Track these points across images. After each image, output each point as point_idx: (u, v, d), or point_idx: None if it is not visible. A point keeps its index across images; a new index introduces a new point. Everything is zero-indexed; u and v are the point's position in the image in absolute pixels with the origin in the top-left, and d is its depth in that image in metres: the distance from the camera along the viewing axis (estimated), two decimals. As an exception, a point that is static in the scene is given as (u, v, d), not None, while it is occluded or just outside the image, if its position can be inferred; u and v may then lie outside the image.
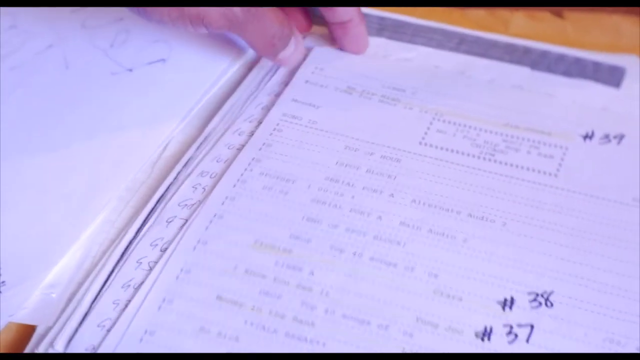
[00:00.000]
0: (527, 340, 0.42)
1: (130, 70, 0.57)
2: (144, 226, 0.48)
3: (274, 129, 0.52)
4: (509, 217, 0.47)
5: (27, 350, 0.44)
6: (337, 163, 0.50)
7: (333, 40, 0.57)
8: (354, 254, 0.46)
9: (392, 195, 0.48)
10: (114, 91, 0.56)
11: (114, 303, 0.45)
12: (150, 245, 0.47)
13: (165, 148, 0.53)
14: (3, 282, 0.46)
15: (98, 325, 0.44)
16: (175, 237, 0.47)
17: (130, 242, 0.47)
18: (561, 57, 0.57)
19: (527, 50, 0.57)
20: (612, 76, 0.55)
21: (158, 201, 0.49)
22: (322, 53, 0.56)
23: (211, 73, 0.57)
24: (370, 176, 0.49)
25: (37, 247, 0.48)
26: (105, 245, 0.48)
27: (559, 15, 0.60)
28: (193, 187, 0.50)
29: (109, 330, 0.43)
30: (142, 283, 0.45)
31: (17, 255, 0.47)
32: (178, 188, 0.50)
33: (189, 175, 0.50)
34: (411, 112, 0.53)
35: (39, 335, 0.44)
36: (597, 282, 0.44)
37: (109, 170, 0.51)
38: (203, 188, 0.50)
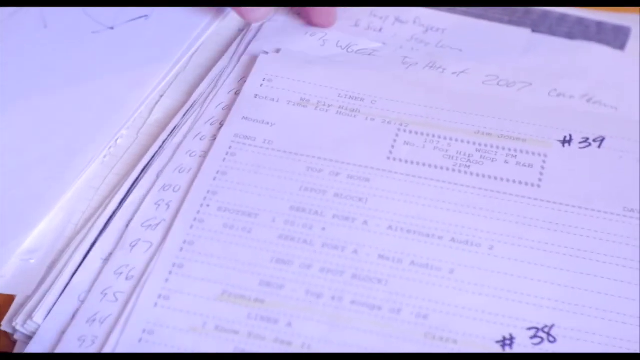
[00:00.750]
0: None
1: (112, 28, 0.56)
2: (125, 200, 0.46)
3: (227, 153, 0.47)
4: (495, 239, 0.44)
5: (5, 320, 0.42)
6: (300, 188, 0.45)
7: (299, 12, 0.55)
8: (333, 298, 0.42)
9: (365, 222, 0.44)
10: (95, 50, 0.55)
11: (79, 340, 0.41)
12: (115, 274, 0.42)
13: (150, 113, 0.51)
14: None
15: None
16: (141, 272, 0.42)
17: (114, 214, 0.45)
18: (563, 18, 0.54)
19: (527, 11, 0.55)
20: (617, 37, 0.53)
21: (143, 170, 0.47)
22: (268, 61, 0.51)
23: (193, 28, 0.55)
24: (340, 201, 0.45)
25: (16, 210, 0.46)
26: (89, 213, 0.47)
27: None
28: (156, 204, 0.45)
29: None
30: (110, 316, 0.41)
31: None
32: (139, 206, 0.45)
33: (149, 191, 0.46)
34: (373, 124, 0.48)
35: (17, 305, 0.43)
36: (599, 309, 0.41)
37: (90, 130, 0.50)
38: (167, 205, 0.45)
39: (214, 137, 0.48)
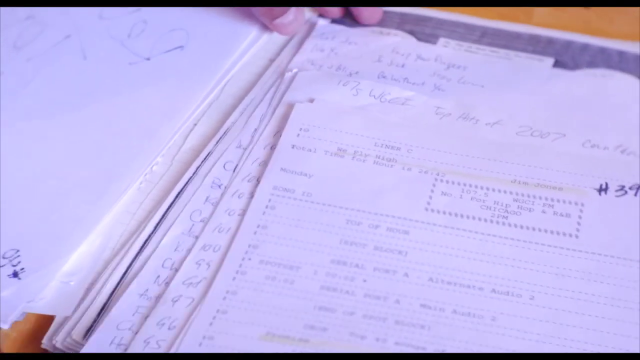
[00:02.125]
0: None
1: (148, 59, 0.59)
2: (160, 225, 0.48)
3: (267, 207, 0.48)
4: (536, 290, 0.45)
5: (45, 339, 0.45)
6: (341, 241, 0.47)
7: (342, 14, 0.59)
8: (377, 339, 0.43)
9: (406, 274, 0.46)
10: (132, 80, 0.57)
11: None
12: (157, 325, 0.44)
13: (185, 141, 0.53)
14: (22, 268, 0.47)
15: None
16: (183, 323, 0.44)
17: (149, 237, 0.48)
18: (585, 47, 0.56)
19: (550, 41, 0.57)
20: (638, 66, 0.55)
21: (177, 196, 0.50)
22: (304, 110, 0.53)
23: (226, 59, 0.58)
24: (380, 254, 0.46)
25: (56, 234, 0.48)
26: (125, 237, 0.49)
27: (583, 5, 0.60)
28: (197, 263, 0.46)
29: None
30: None
31: (37, 242, 0.48)
32: (181, 264, 0.46)
33: (190, 250, 0.47)
34: (410, 174, 0.50)
35: (57, 324, 0.45)
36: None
37: (127, 157, 0.52)
38: (207, 264, 0.46)
39: (252, 195, 0.49)
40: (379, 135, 0.51)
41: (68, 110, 0.55)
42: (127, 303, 0.45)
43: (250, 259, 0.46)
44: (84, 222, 0.49)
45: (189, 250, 0.47)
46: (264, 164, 0.51)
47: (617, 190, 0.49)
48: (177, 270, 0.46)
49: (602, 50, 0.56)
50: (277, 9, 0.57)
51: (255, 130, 0.53)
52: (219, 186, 0.50)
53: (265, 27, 0.58)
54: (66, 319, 0.45)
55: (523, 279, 0.45)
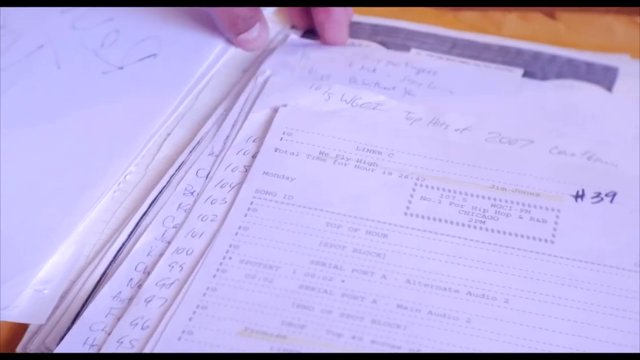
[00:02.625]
0: None
1: (121, 68, 0.59)
2: (134, 233, 0.49)
3: (248, 209, 0.49)
4: (511, 293, 0.46)
5: (19, 348, 0.45)
6: (320, 243, 0.48)
7: (315, 26, 0.60)
8: (353, 337, 0.44)
9: (384, 276, 0.47)
10: (106, 89, 0.58)
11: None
12: (130, 324, 0.45)
13: (158, 150, 0.54)
14: None
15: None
16: (157, 323, 0.45)
17: (123, 245, 0.49)
18: (553, 58, 0.58)
19: (519, 52, 0.59)
20: (605, 77, 0.56)
21: (151, 204, 0.51)
22: (288, 114, 0.54)
23: (198, 67, 0.58)
24: (359, 256, 0.47)
25: (30, 242, 0.49)
26: (99, 245, 0.50)
27: (551, 16, 0.61)
28: (169, 265, 0.47)
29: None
30: None
31: (10, 250, 0.49)
32: (154, 265, 0.47)
33: (162, 253, 0.48)
34: (391, 178, 0.51)
35: (31, 333, 0.46)
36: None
37: (100, 166, 0.53)
38: (180, 266, 0.47)
39: (225, 200, 0.50)
40: (360, 139, 0.53)
41: (42, 119, 0.56)
42: (99, 305, 0.46)
43: (231, 258, 0.47)
44: (58, 230, 0.50)
45: (162, 255, 0.48)
46: (237, 169, 0.52)
47: (592, 197, 0.50)
48: (149, 273, 0.47)
49: (570, 62, 0.58)
50: (241, 24, 0.58)
51: (227, 137, 0.54)
52: (192, 193, 0.51)
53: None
54: (40, 327, 0.46)
55: (498, 282, 0.46)
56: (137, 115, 0.56)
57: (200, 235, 0.48)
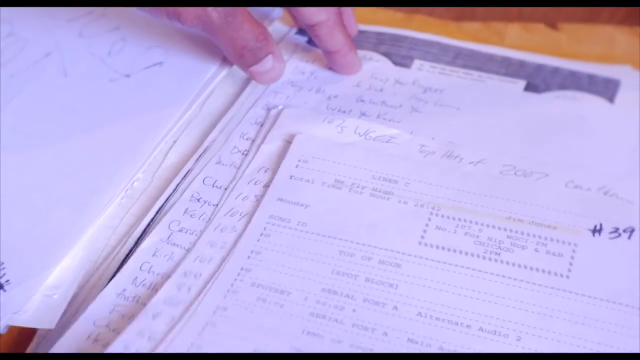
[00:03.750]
0: None
1: (128, 76, 0.60)
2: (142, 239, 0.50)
3: (262, 234, 0.49)
4: (523, 330, 0.46)
5: (29, 351, 0.46)
6: (332, 272, 0.48)
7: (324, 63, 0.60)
8: None
9: (395, 307, 0.47)
10: (112, 97, 0.59)
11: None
12: (137, 334, 0.45)
13: (165, 158, 0.55)
14: (7, 280, 0.48)
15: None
16: (164, 336, 0.45)
17: (130, 252, 0.50)
18: (556, 70, 0.58)
19: (522, 64, 0.59)
20: (607, 88, 0.57)
21: (158, 211, 0.52)
22: (305, 141, 0.54)
23: (203, 74, 0.59)
24: (370, 286, 0.47)
25: (40, 247, 0.50)
26: (107, 251, 0.51)
27: (553, 27, 0.62)
28: (177, 286, 0.47)
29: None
30: None
31: (21, 255, 0.50)
32: (162, 285, 0.47)
33: (169, 276, 0.48)
34: (406, 207, 0.51)
35: (40, 337, 0.47)
36: None
37: (108, 174, 0.54)
38: (188, 288, 0.47)
39: (234, 229, 0.50)
40: (377, 167, 0.52)
41: (49, 126, 0.57)
42: (104, 301, 0.47)
43: (242, 280, 0.47)
44: (67, 236, 0.51)
45: (172, 259, 0.49)
46: (248, 199, 0.52)
47: (610, 232, 0.50)
48: (157, 290, 0.47)
49: (573, 74, 0.59)
50: (249, 56, 0.56)
51: (238, 168, 0.54)
52: (198, 200, 0.52)
53: None
54: (49, 331, 0.47)
55: (511, 318, 0.46)
56: (143, 122, 0.57)
57: (209, 261, 0.49)
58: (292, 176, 0.52)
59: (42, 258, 0.50)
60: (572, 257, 0.49)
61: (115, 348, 0.44)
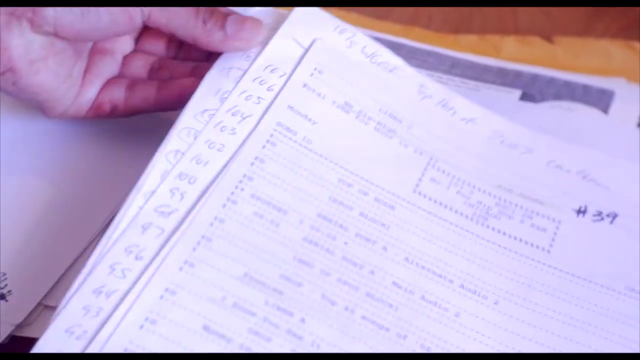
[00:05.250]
0: None
1: None
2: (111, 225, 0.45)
3: (267, 141, 0.48)
4: (501, 296, 0.47)
5: None
6: (330, 198, 0.48)
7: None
8: (346, 308, 0.44)
9: (384, 248, 0.47)
10: None
11: (84, 309, 0.42)
12: (125, 250, 0.44)
13: None
14: (9, 291, 0.47)
15: (66, 331, 0.41)
16: (156, 250, 0.44)
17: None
18: (551, 81, 0.60)
19: (518, 74, 0.60)
20: (601, 99, 0.58)
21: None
22: (323, 50, 0.52)
23: None
24: (364, 222, 0.48)
25: (43, 257, 0.49)
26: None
27: (549, 40, 0.63)
28: (170, 191, 0.46)
29: (79, 338, 0.41)
30: (116, 292, 0.42)
31: (23, 265, 0.49)
32: (153, 192, 0.46)
33: (164, 179, 0.46)
34: (406, 151, 0.51)
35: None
36: None
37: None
38: (181, 195, 0.46)
39: (234, 131, 0.48)
40: (385, 100, 0.52)
41: (49, 131, 0.56)
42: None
43: (242, 190, 0.46)
44: (70, 246, 0.50)
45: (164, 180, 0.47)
46: (251, 99, 0.50)
47: (594, 215, 0.51)
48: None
49: (568, 84, 0.60)
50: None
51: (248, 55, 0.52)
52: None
53: None
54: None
55: (491, 281, 0.47)
56: None
57: (206, 164, 0.47)
58: (305, 84, 0.51)
59: (44, 268, 0.49)
60: (555, 234, 0.50)
61: (101, 270, 0.43)
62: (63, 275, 0.48)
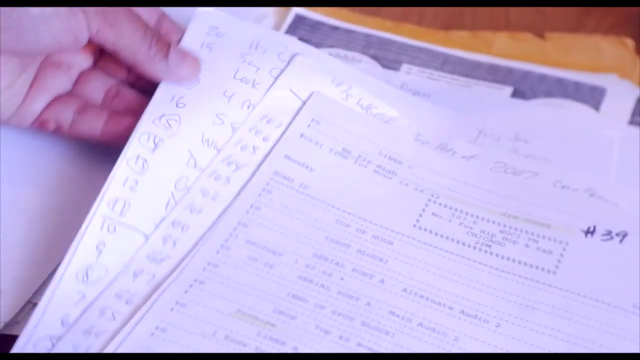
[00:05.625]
0: None
1: None
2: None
3: (264, 189, 0.51)
4: (503, 318, 0.47)
5: None
6: (326, 238, 0.49)
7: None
8: (341, 337, 0.45)
9: (382, 281, 0.48)
10: None
11: (73, 347, 0.44)
12: (115, 296, 0.46)
13: None
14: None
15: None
16: (147, 294, 0.46)
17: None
18: (543, 78, 0.60)
19: (509, 71, 0.60)
20: (593, 96, 0.58)
21: None
22: (321, 101, 0.55)
23: None
24: (361, 257, 0.49)
25: (33, 256, 0.50)
26: None
27: (541, 36, 0.63)
28: (163, 238, 0.48)
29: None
30: (105, 332, 0.44)
31: (13, 264, 0.49)
32: (147, 240, 0.48)
33: (157, 227, 0.49)
34: (406, 190, 0.52)
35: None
36: None
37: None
38: (174, 242, 0.48)
39: (228, 180, 0.51)
40: (384, 144, 0.54)
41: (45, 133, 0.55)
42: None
43: (237, 237, 0.49)
44: (59, 245, 0.50)
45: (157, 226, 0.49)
46: (247, 149, 0.52)
47: (603, 235, 0.51)
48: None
49: (559, 81, 0.60)
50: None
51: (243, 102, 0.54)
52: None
53: None
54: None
55: (493, 305, 0.47)
56: None
57: (199, 212, 0.49)
58: (302, 134, 0.53)
59: (33, 268, 0.49)
60: (562, 255, 0.50)
61: (91, 314, 0.45)
62: (51, 274, 0.48)
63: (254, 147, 0.52)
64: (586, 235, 0.51)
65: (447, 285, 0.48)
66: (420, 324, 0.46)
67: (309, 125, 0.54)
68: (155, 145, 0.51)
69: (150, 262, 0.47)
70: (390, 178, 0.53)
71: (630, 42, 0.62)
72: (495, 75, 0.61)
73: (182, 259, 0.47)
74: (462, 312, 0.47)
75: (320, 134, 0.54)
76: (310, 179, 0.52)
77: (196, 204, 0.50)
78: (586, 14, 0.65)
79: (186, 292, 0.46)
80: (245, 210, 0.50)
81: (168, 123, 0.52)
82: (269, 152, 0.52)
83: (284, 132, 0.53)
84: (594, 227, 0.51)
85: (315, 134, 0.53)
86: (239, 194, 0.50)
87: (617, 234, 0.51)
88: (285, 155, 0.52)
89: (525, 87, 0.60)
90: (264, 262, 0.48)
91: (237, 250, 0.48)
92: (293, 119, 0.54)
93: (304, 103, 0.54)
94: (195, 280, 0.47)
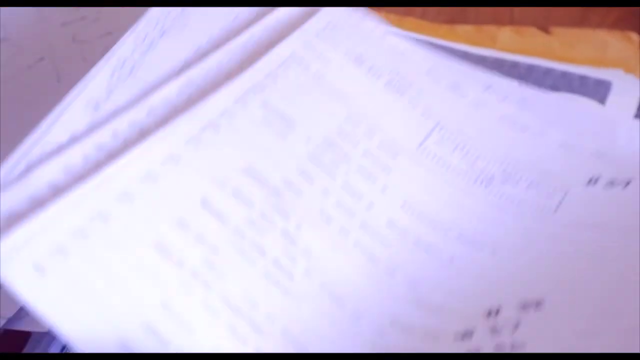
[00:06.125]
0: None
1: None
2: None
3: (282, 64, 0.50)
4: (500, 245, 0.46)
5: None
6: (337, 127, 0.48)
7: None
8: (341, 229, 0.44)
9: (384, 189, 0.47)
10: None
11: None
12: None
13: None
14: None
15: None
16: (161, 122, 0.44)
17: None
18: (548, 71, 0.59)
19: (514, 65, 0.60)
20: (598, 90, 0.58)
21: None
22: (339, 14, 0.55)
23: None
24: (366, 159, 0.48)
25: None
26: None
27: (545, 31, 0.63)
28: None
29: None
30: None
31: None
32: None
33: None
34: (414, 112, 0.51)
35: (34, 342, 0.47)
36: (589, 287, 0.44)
37: None
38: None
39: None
40: (398, 66, 0.53)
41: None
42: None
43: (254, 94, 0.47)
44: None
45: None
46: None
47: (606, 184, 0.50)
48: None
49: (564, 75, 0.59)
50: None
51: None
52: None
53: None
54: (42, 334, 0.47)
55: (491, 233, 0.47)
56: None
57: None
58: (318, 34, 0.52)
59: None
60: (563, 199, 0.49)
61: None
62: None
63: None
64: (588, 184, 0.50)
65: (445, 210, 0.47)
66: (416, 242, 0.46)
67: (324, 28, 0.53)
68: None
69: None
70: (400, 95, 0.52)
71: (635, 37, 0.62)
72: (500, 69, 0.60)
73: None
74: (459, 236, 0.46)
75: (337, 36, 0.53)
76: (325, 71, 0.51)
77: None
78: (590, 9, 0.66)
79: (202, 129, 0.45)
80: (264, 75, 0.48)
81: None
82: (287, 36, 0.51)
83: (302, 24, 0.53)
84: (597, 179, 0.51)
85: (331, 34, 0.53)
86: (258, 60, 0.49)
87: (620, 182, 0.50)
88: (304, 41, 0.51)
89: (530, 81, 0.59)
90: (278, 129, 0.47)
91: (253, 107, 0.47)
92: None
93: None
94: (210, 123, 0.45)
